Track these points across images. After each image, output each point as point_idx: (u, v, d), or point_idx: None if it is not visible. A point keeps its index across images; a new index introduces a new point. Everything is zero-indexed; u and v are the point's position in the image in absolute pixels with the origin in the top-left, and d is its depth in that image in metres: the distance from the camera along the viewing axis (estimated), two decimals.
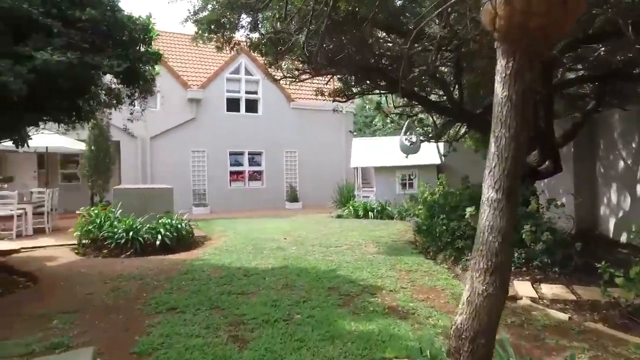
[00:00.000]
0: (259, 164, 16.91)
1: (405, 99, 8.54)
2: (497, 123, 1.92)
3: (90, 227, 7.92)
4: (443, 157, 14.28)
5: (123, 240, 7.51)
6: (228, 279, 5.58)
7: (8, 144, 10.35)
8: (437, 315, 4.29)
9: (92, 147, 9.20)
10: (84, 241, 7.94)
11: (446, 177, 13.10)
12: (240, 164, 16.59)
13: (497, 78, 1.91)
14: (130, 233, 7.55)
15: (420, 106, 10.06)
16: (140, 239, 7.57)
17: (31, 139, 6.85)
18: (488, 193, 2.01)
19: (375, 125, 28.35)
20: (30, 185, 13.18)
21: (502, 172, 1.91)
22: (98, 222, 7.94)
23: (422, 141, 10.27)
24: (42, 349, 3.58)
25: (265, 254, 7.35)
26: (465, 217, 6.49)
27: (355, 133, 21.20)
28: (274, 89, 17.02)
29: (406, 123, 8.45)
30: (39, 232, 10.00)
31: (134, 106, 6.85)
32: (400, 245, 8.17)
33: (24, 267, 6.86)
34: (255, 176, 16.73)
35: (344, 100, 9.06)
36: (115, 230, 7.66)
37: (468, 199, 7.17)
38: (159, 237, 7.70)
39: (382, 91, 9.23)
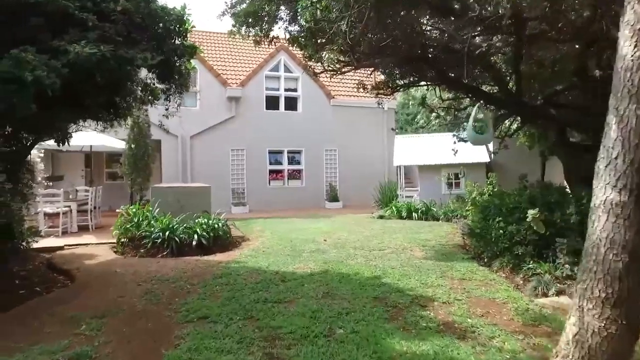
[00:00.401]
0: (298, 163, 16.60)
1: (456, 91, 7.86)
2: (623, 96, 1.37)
3: (128, 226, 7.82)
4: (493, 155, 13.39)
5: (160, 240, 7.34)
6: (264, 284, 5.20)
7: (75, 142, 10.61)
8: (502, 335, 3.70)
9: (132, 146, 9.17)
10: (122, 240, 7.86)
11: (497, 176, 12.24)
12: (280, 163, 16.35)
13: (625, 32, 1.37)
14: (167, 233, 7.37)
15: (471, 99, 9.34)
16: (177, 239, 7.38)
17: (71, 137, 6.83)
18: (605, 194, 1.46)
19: (418, 123, 27.42)
20: (77, 184, 13.51)
21: (629, 165, 1.37)
22: (136, 221, 7.83)
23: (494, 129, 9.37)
24: (65, 359, 3.33)
25: (304, 257, 6.94)
26: (527, 220, 5.79)
27: (397, 130, 20.48)
28: (313, 86, 16.66)
29: (475, 109, 7.65)
30: (83, 229, 10.12)
31: (169, 102, 6.62)
32: (449, 250, 7.53)
33: (65, 264, 6.82)
34: (295, 175, 16.44)
35: (388, 93, 8.49)
36: (152, 229, 7.51)
37: (527, 200, 6.44)
38: (196, 237, 7.48)
39: (429, 83, 8.61)
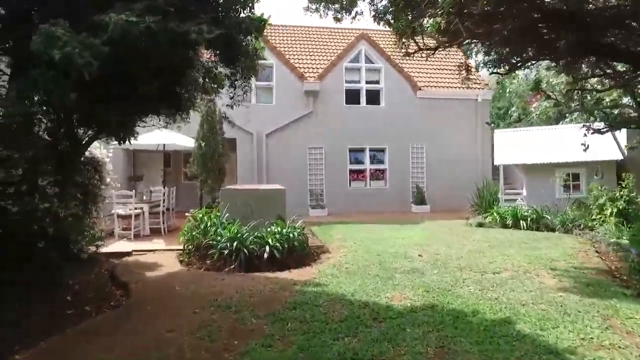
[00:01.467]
0: (381, 162, 15.11)
1: (609, 61, 5.92)
2: None
3: (195, 233, 6.98)
4: (627, 151, 10.83)
5: (227, 251, 6.36)
6: (351, 325, 3.88)
7: (140, 141, 10.26)
8: None
9: (201, 144, 8.40)
10: (188, 248, 7.06)
11: (634, 178, 9.78)
12: (361, 162, 14.99)
13: None
14: (235, 243, 6.37)
15: (608, 79, 7.23)
16: (246, 250, 6.35)
17: (135, 135, 6.10)
18: None
19: (511, 117, 24.36)
20: (156, 184, 13.32)
21: None
22: (202, 227, 6.97)
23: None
24: None
25: (398, 279, 5.51)
26: None
27: (492, 125, 18.08)
28: (397, 77, 15.06)
29: None
30: (155, 232, 9.63)
31: (235, 89, 5.60)
32: (593, 278, 5.63)
33: (126, 275, 6.11)
34: (378, 175, 14.97)
35: (503, 73, 6.72)
36: (219, 238, 6.57)
37: None
38: (267, 248, 6.40)
39: (555, 57, 6.70)
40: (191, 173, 8.46)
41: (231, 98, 5.69)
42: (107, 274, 6.41)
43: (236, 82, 5.46)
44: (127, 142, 5.86)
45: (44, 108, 4.29)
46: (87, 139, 5.41)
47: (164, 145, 10.37)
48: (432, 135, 15.16)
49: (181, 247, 7.40)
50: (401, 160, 15.00)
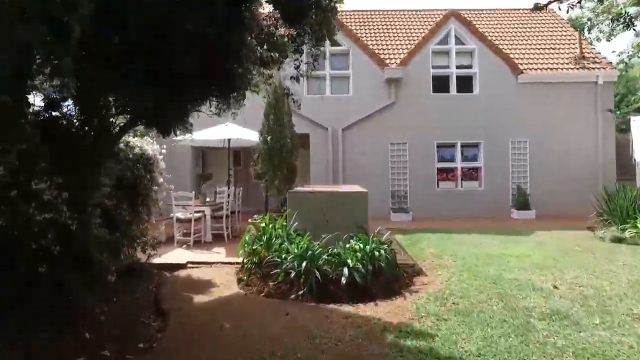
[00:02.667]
0: (475, 159, 12.91)
1: None
2: None
3: (257, 246, 5.67)
4: None
5: (294, 273, 4.93)
6: None
7: (202, 136, 9.29)
8: None
9: (267, 138, 7.09)
10: (249, 263, 5.76)
11: None
12: (451, 159, 12.91)
13: None
14: (305, 263, 4.93)
15: None
16: (318, 272, 4.87)
17: (180, 126, 4.94)
18: None
19: (637, 102, 20.38)
20: (223, 184, 12.47)
21: None
22: (265, 239, 5.62)
23: None
24: None
25: (541, 332, 3.68)
26: None
27: (615, 111, 14.92)
28: (494, 59, 12.75)
29: None
30: (218, 238, 8.58)
31: (301, 55, 4.14)
32: None
33: (170, 299, 4.95)
34: (471, 174, 12.79)
35: None
36: (285, 255, 5.17)
37: None
38: (346, 271, 4.86)
39: None
40: (256, 172, 7.18)
41: (296, 67, 4.23)
42: (152, 294, 5.32)
43: (304, 46, 3.98)
44: (171, 134, 4.69)
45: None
46: (117, 129, 4.27)
47: (229, 140, 9.30)
48: (538, 127, 12.64)
49: (241, 261, 6.16)
50: (499, 157, 12.69)
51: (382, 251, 5.22)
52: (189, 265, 6.60)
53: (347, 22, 14.11)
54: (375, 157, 12.64)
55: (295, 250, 5.17)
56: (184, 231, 8.48)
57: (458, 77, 12.96)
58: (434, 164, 12.75)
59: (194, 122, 5.03)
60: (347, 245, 5.35)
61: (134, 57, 3.36)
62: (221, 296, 5.00)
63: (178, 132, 5.01)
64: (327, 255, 5.11)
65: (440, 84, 12.96)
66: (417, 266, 6.24)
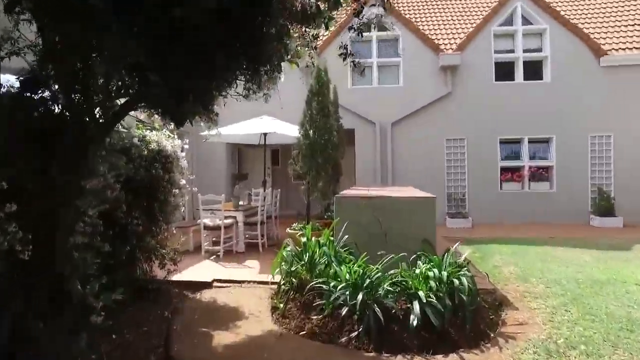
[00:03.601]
0: (545, 157, 11.16)
1: None
2: None
3: (297, 267, 4.46)
4: None
5: (345, 309, 3.68)
6: None
7: (234, 130, 8.18)
8: None
9: (308, 131, 5.81)
10: (286, 286, 4.58)
11: None
12: (517, 157, 11.22)
13: None
14: (360, 294, 3.66)
15: None
16: (378, 307, 3.60)
17: (204, 116, 3.89)
18: None
19: None
20: (255, 185, 11.45)
21: None
22: (307, 259, 4.40)
23: None
24: None
25: None
26: None
27: None
28: (570, 39, 10.95)
29: None
30: (252, 248, 7.47)
31: (359, 18, 2.90)
32: None
33: (186, 335, 3.83)
34: (540, 175, 11.06)
35: None
36: (333, 282, 3.93)
37: None
38: (416, 307, 3.56)
39: None
40: (295, 172, 5.92)
41: (352, 29, 2.98)
42: (164, 323, 4.25)
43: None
44: (181, 124, 3.59)
45: None
46: (115, 108, 3.15)
47: (264, 136, 8.17)
48: (624, 119, 10.74)
49: (276, 281, 4.99)
50: (575, 155, 10.89)
51: (464, 279, 3.86)
52: (215, 283, 5.50)
53: (396, 4, 12.70)
54: (429, 154, 11.18)
55: (347, 276, 3.92)
56: (213, 239, 7.44)
57: (525, 63, 11.26)
58: (496, 163, 11.12)
59: (227, 117, 3.93)
60: (417, 269, 4.03)
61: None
62: (250, 335, 3.83)
63: (196, 123, 3.92)
64: (390, 284, 3.82)
65: (504, 70, 11.32)
66: (498, 293, 4.83)
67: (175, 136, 5.47)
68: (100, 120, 2.99)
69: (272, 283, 5.16)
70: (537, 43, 11.38)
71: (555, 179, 10.93)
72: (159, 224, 5.22)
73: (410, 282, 3.83)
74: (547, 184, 11.04)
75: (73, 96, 2.84)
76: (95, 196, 4.12)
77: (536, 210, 10.80)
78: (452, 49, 11.30)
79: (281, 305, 4.41)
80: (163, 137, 5.29)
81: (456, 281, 3.83)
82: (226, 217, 7.06)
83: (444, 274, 3.84)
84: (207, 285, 5.44)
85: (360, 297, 3.60)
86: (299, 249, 4.63)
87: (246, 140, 9.12)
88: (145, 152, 4.95)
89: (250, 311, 4.45)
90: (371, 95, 11.36)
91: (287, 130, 7.38)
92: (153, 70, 2.96)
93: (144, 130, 5.24)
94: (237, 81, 3.68)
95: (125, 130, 5.47)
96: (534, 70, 11.30)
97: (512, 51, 11.38)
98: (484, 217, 10.77)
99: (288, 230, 5.95)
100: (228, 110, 4.38)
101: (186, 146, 5.57)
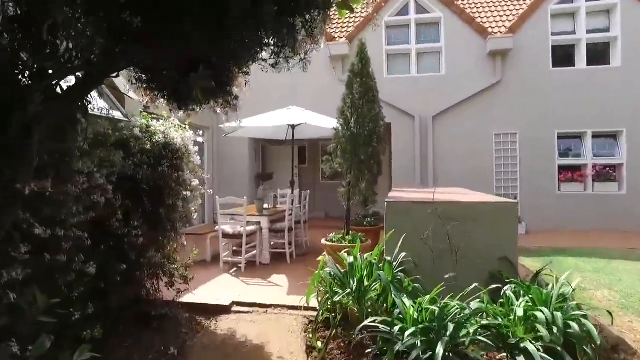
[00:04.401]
0: (612, 153, 9.72)
1: None
2: None
3: (340, 296, 3.36)
4: None
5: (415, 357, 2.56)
6: None
7: (264, 122, 7.08)
8: None
9: (349, 117, 4.62)
10: (325, 315, 3.51)
11: None
12: (578, 154, 9.81)
13: None
14: (439, 346, 2.53)
15: None
16: None
17: (219, 95, 2.89)
18: None
19: None
20: (284, 185, 10.44)
21: None
22: (355, 285, 3.30)
23: None
24: None
25: None
26: None
27: None
28: None
29: None
30: (278, 258, 6.44)
31: None
32: None
33: None
34: (607, 174, 9.61)
35: None
36: (401, 325, 2.80)
37: None
38: None
39: None
40: (332, 170, 4.79)
41: None
42: None
43: None
44: (191, 104, 2.62)
45: None
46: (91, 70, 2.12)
47: (293, 129, 7.12)
48: None
49: (312, 306, 3.92)
50: None
51: (588, 323, 2.68)
52: (235, 307, 4.46)
53: None
54: (475, 151, 9.91)
55: (415, 314, 2.80)
56: (234, 249, 6.44)
57: (589, 45, 9.83)
58: (553, 160, 9.74)
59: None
60: (513, 306, 2.88)
61: None
62: None
63: (210, 112, 2.96)
64: (479, 326, 2.68)
65: (563, 54, 9.94)
66: (607, 331, 3.61)
67: (187, 126, 4.46)
68: (59, 91, 1.98)
69: (306, 308, 4.10)
70: (604, 22, 9.93)
71: (626, 179, 9.47)
72: (167, 234, 4.22)
73: (512, 326, 2.68)
74: (615, 184, 9.59)
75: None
76: (78, 202, 3.16)
77: (601, 216, 9.38)
78: (502, 32, 9.97)
79: (319, 344, 3.33)
80: (172, 128, 4.29)
81: (575, 326, 2.65)
82: (248, 224, 6.04)
83: (558, 316, 2.67)
84: (225, 309, 4.41)
85: (439, 349, 2.46)
86: (342, 270, 3.53)
87: (271, 134, 8.10)
88: (149, 145, 3.96)
89: (279, 352, 3.39)
90: (410, 85, 10.17)
91: (321, 122, 6.30)
92: (137, 15, 1.95)
93: (150, 120, 4.25)
94: (263, 45, 2.62)
95: (125, 120, 4.52)
96: (599, 53, 9.86)
97: (572, 32, 9.98)
98: (540, 222, 9.44)
99: (324, 241, 4.86)
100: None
101: (199, 139, 4.55)
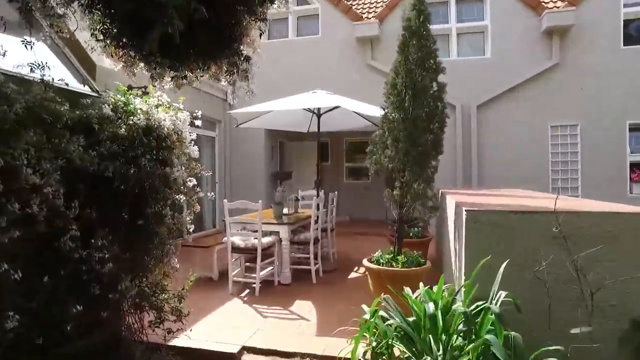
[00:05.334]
0: None
1: None
2: None
3: (405, 356, 2.08)
4: None
5: None
6: None
7: (285, 105, 5.71)
8: None
9: (405, 96, 3.26)
10: None
11: None
12: None
13: None
14: None
15: None
16: None
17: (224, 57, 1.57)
18: None
19: None
20: (305, 185, 9.25)
21: None
22: (438, 348, 2.01)
23: None
24: None
25: None
26: None
27: None
28: None
29: None
30: (301, 276, 5.20)
31: None
32: None
33: None
34: None
35: None
36: None
37: None
38: None
39: None
40: (378, 165, 3.47)
41: None
42: None
43: None
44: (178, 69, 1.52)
45: None
46: None
47: (319, 117, 5.87)
48: None
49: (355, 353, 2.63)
50: None
51: None
52: (245, 356, 3.23)
53: None
54: (528, 146, 8.49)
55: None
56: (246, 264, 5.21)
57: None
58: (624, 157, 8.25)
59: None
60: None
61: None
62: None
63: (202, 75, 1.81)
64: None
65: (638, 30, 8.42)
66: None
67: (181, 105, 3.24)
68: None
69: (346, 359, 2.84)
70: None
71: None
72: (151, 254, 3.01)
73: None
74: None
75: None
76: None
77: None
78: (558, 6, 8.52)
79: None
80: (160, 108, 3.09)
81: None
82: (264, 234, 4.81)
83: None
84: (231, 358, 3.19)
85: None
86: (410, 319, 2.25)
87: (292, 125, 6.87)
88: (123, 129, 2.74)
89: None
90: (449, 70, 8.72)
91: (356, 106, 5.03)
92: None
93: (132, 98, 3.04)
94: None
95: (94, 95, 3.32)
96: None
97: None
98: None
99: (367, 263, 3.55)
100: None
101: (198, 122, 3.32)
